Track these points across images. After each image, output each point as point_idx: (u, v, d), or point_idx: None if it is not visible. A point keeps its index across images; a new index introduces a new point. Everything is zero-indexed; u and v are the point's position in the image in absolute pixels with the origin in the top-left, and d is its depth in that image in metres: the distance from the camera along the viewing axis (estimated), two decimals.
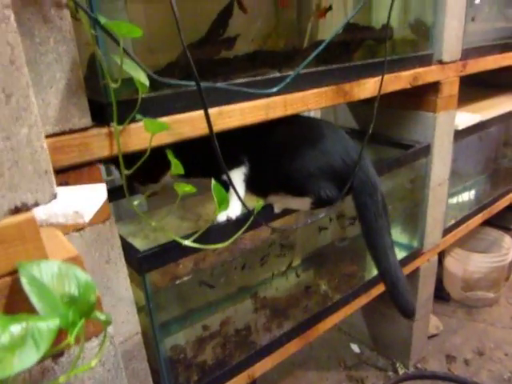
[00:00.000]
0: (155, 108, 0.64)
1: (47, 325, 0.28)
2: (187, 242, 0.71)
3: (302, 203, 0.83)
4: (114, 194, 0.93)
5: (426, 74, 1.06)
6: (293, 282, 1.12)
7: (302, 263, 1.16)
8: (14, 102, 0.31)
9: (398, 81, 1.00)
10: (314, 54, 0.73)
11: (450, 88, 1.14)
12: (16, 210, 0.33)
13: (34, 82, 0.53)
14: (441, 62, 1.09)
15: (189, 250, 0.74)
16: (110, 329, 0.40)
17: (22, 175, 0.32)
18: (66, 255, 0.36)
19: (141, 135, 0.62)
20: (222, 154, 0.64)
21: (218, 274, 0.98)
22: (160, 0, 0.81)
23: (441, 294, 1.77)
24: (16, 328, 0.28)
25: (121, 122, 0.60)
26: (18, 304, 0.34)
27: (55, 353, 0.37)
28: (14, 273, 0.33)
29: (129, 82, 0.59)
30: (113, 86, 0.56)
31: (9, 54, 0.30)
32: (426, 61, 1.06)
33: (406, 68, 1.01)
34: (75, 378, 0.38)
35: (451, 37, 1.07)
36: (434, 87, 1.12)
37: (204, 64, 0.82)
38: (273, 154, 0.82)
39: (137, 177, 0.87)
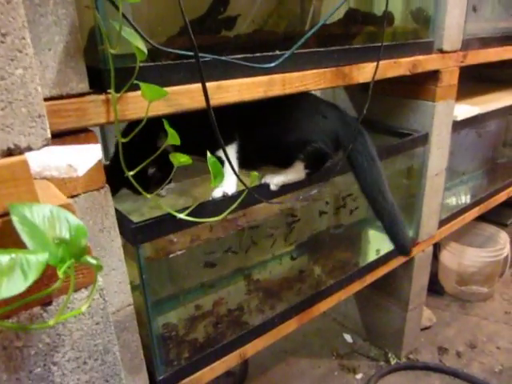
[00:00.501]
0: (154, 78, 0.64)
1: (36, 257, 0.29)
2: (182, 215, 0.72)
3: (296, 172, 0.84)
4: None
5: (426, 62, 1.06)
6: (287, 266, 1.12)
7: (297, 248, 1.16)
8: (10, 41, 0.32)
9: (398, 67, 1.00)
10: (312, 31, 0.74)
11: (450, 77, 1.14)
12: (8, 152, 0.33)
13: (33, 44, 0.52)
14: (441, 51, 1.09)
15: (183, 224, 0.74)
16: (100, 280, 0.40)
17: (15, 117, 0.33)
18: (58, 202, 0.36)
19: (138, 104, 0.63)
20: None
21: (212, 254, 0.98)
22: None
23: (435, 288, 1.78)
24: (4, 258, 0.28)
25: (119, 90, 0.60)
26: (8, 246, 0.34)
27: (44, 300, 0.37)
28: (5, 215, 0.34)
29: (128, 56, 0.60)
30: (111, 51, 0.56)
31: None
32: (426, 49, 1.07)
33: (406, 55, 1.01)
34: (64, 328, 0.39)
35: (452, 26, 1.07)
36: (433, 76, 1.12)
37: (204, 42, 0.82)
38: (260, 128, 0.84)
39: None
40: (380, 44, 0.89)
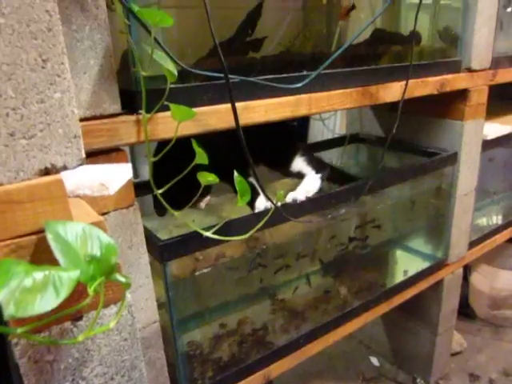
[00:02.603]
0: (183, 99, 0.66)
1: (68, 274, 0.30)
2: (208, 234, 0.73)
3: (312, 179, 0.91)
4: (141, 189, 0.95)
5: (454, 81, 1.05)
6: (312, 286, 1.11)
7: (322, 268, 1.15)
8: (50, 67, 0.33)
9: (425, 86, 0.99)
10: (339, 51, 0.74)
11: (479, 96, 1.13)
12: (46, 172, 0.34)
13: (69, 68, 0.55)
14: (469, 70, 1.08)
15: (210, 242, 0.75)
16: (128, 297, 0.41)
17: (52, 138, 0.34)
18: (90, 219, 0.37)
19: (168, 124, 0.64)
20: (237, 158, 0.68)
21: (238, 272, 0.98)
22: None
23: (466, 312, 1.72)
24: (39, 274, 0.29)
25: (149, 110, 0.62)
26: (41, 263, 0.35)
27: (74, 315, 0.38)
28: (40, 232, 0.35)
29: (158, 79, 0.62)
30: (143, 73, 0.58)
31: (47, 20, 0.32)
32: (454, 67, 1.06)
33: (434, 74, 1.01)
34: (93, 343, 0.39)
35: (481, 44, 1.07)
36: (462, 95, 1.11)
37: (231, 63, 0.84)
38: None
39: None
40: (408, 64, 0.90)
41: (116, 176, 0.45)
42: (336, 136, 1.41)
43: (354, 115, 1.40)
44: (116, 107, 0.60)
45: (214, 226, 0.73)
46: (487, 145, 1.22)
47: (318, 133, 1.68)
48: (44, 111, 0.33)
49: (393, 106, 0.94)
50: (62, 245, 0.33)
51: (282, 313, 1.04)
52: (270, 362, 0.92)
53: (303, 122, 2.16)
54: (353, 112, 1.41)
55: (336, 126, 1.58)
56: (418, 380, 1.42)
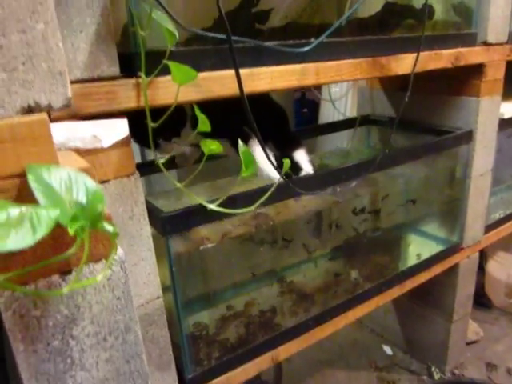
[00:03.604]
0: (184, 63, 0.63)
1: (47, 212, 0.27)
2: (212, 206, 0.70)
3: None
4: (145, 168, 0.93)
5: (470, 55, 1.01)
6: (322, 269, 1.08)
7: (332, 251, 1.12)
8: None
9: (439, 59, 0.95)
10: (347, 14, 0.72)
11: (495, 72, 1.08)
12: (29, 110, 0.32)
13: (64, 25, 0.53)
14: (485, 44, 1.04)
15: (214, 216, 0.73)
16: (120, 253, 0.38)
17: (36, 73, 0.32)
18: (78, 165, 0.35)
19: (168, 89, 0.62)
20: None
21: (245, 253, 0.96)
22: None
23: (482, 301, 1.67)
24: (14, 210, 0.27)
25: (149, 74, 0.59)
26: None
27: (63, 268, 0.35)
28: (23, 176, 0.33)
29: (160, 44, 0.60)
30: (141, 33, 0.56)
31: None
32: (469, 40, 1.02)
33: (448, 46, 0.97)
34: (83, 300, 0.37)
35: (497, 16, 1.02)
36: (477, 70, 1.06)
37: (237, 34, 0.82)
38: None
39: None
40: (420, 34, 0.86)
41: (111, 130, 0.43)
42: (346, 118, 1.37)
43: (365, 97, 1.36)
44: (114, 69, 0.58)
45: (218, 199, 0.71)
46: (504, 124, 1.17)
47: (328, 115, 1.65)
48: (26, 42, 0.31)
49: (405, 85, 0.90)
50: (44, 187, 0.30)
51: (290, 295, 1.01)
52: (277, 343, 0.89)
53: (313, 106, 2.12)
54: (364, 93, 1.37)
55: (347, 109, 1.54)
56: (433, 369, 1.38)
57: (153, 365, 0.73)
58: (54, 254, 0.33)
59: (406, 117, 1.22)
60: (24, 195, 0.32)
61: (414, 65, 0.85)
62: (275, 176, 0.76)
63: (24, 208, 0.27)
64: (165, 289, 0.72)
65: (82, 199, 0.32)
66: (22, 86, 0.31)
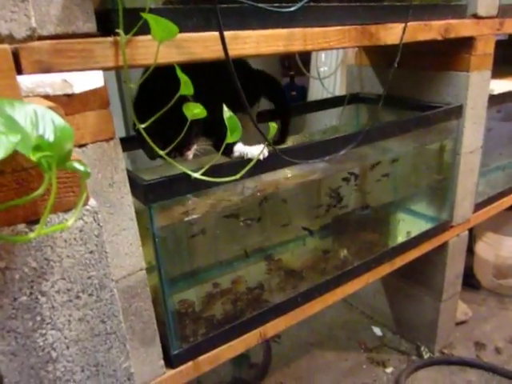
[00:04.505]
0: None
1: (6, 137, 0.25)
2: (196, 175, 0.68)
3: None
4: (128, 144, 0.90)
5: (459, 27, 0.99)
6: (310, 246, 1.07)
7: (320, 229, 1.10)
8: None
9: (429, 30, 0.93)
10: None
11: (485, 46, 1.07)
12: None
13: None
14: (476, 16, 1.02)
15: (199, 185, 0.70)
16: (93, 203, 0.36)
17: None
18: (44, 104, 0.32)
19: (149, 49, 0.59)
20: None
21: (231, 229, 0.93)
22: None
23: (471, 282, 1.67)
24: None
25: (128, 33, 0.57)
26: None
27: (29, 216, 0.33)
28: None
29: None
30: None
31: None
32: (459, 12, 1.00)
33: (438, 17, 0.95)
34: (52, 253, 0.34)
35: None
36: (467, 43, 1.05)
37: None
38: None
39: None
40: (409, 4, 0.84)
41: (83, 77, 0.40)
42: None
43: (353, 74, 1.34)
44: (90, 26, 0.55)
45: (202, 168, 0.69)
46: (494, 100, 1.16)
47: (317, 94, 1.63)
48: None
49: (393, 61, 0.88)
50: (6, 119, 0.28)
51: (278, 272, 1.00)
52: (266, 319, 0.87)
53: (302, 92, 2.10)
54: (352, 71, 1.35)
55: (336, 88, 1.52)
56: (422, 348, 1.38)
57: (136, 339, 0.70)
58: (16, 195, 0.30)
59: (395, 93, 1.21)
60: None
61: (403, 33, 0.83)
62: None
63: None
64: (150, 268, 0.70)
65: (50, 136, 0.30)
66: None
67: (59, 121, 0.31)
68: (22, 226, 0.33)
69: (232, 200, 0.84)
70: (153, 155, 0.80)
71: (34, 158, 0.26)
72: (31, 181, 0.31)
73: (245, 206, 0.89)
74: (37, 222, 0.33)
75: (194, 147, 0.82)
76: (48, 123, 0.30)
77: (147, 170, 0.97)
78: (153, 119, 0.61)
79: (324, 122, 1.32)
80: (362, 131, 0.84)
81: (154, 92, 0.70)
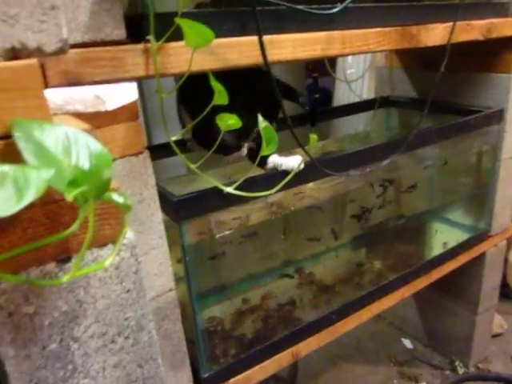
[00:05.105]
0: None
1: (37, 173, 0.20)
2: (229, 189, 0.63)
3: None
4: (157, 152, 0.86)
5: (502, 26, 0.93)
6: (343, 259, 1.02)
7: (353, 240, 1.05)
8: None
9: (470, 30, 0.88)
10: None
11: None
12: (14, 54, 0.25)
13: None
14: None
15: (231, 200, 0.66)
16: (130, 237, 0.31)
17: (20, 4, 0.25)
18: (78, 126, 0.28)
19: (181, 56, 0.55)
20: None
21: (262, 243, 0.89)
22: None
23: (504, 292, 1.59)
24: None
25: (159, 39, 0.53)
26: None
27: (59, 254, 0.29)
28: (8, 137, 0.26)
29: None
30: None
31: None
32: (501, 11, 0.94)
33: (479, 17, 0.89)
34: (86, 294, 0.30)
35: None
36: (510, 44, 0.99)
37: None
38: None
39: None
40: (454, 2, 0.79)
41: (116, 92, 0.36)
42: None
43: (383, 77, 1.29)
44: (120, 33, 0.51)
45: (235, 182, 0.64)
46: None
47: (343, 98, 1.57)
48: None
49: (428, 62, 0.83)
50: (35, 146, 0.24)
51: (310, 287, 0.95)
52: (298, 339, 0.83)
53: (325, 94, 2.05)
54: (382, 73, 1.29)
55: (363, 90, 1.46)
56: (457, 363, 1.31)
57: (166, 364, 0.66)
58: (47, 232, 0.26)
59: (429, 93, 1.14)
60: (9, 160, 0.26)
61: (451, 34, 0.78)
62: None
63: (7, 167, 0.20)
64: (177, 281, 0.66)
65: (84, 163, 0.26)
66: (4, 21, 0.25)
67: (95, 145, 0.26)
68: (51, 266, 0.29)
69: (262, 214, 0.80)
70: (226, 152, 0.75)
71: (69, 196, 0.22)
72: (63, 214, 0.27)
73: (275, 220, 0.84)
74: (68, 260, 0.29)
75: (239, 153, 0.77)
76: (82, 148, 0.26)
77: (171, 181, 0.93)
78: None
79: (351, 127, 1.27)
80: (404, 139, 0.79)
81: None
